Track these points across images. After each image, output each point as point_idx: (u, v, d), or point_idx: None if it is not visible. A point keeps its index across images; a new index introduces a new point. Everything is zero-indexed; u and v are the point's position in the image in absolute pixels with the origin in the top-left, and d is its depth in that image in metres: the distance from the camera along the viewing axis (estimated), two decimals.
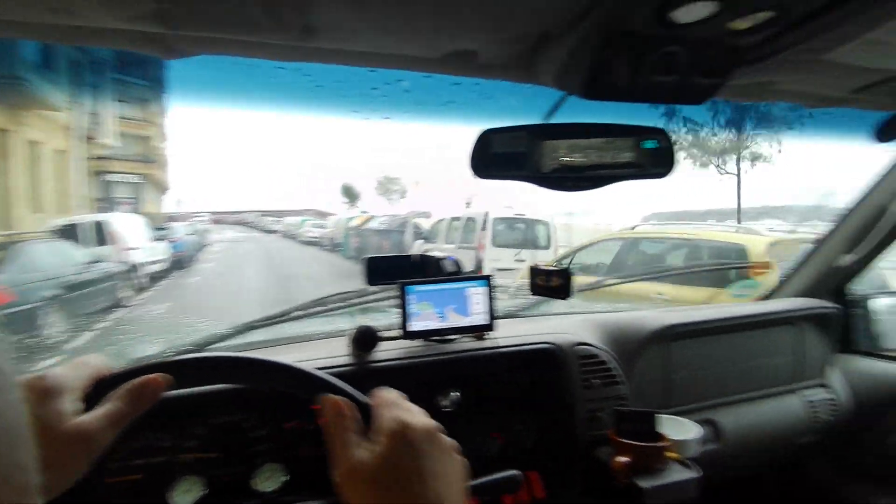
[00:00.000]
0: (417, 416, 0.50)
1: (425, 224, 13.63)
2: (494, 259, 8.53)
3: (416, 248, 10.89)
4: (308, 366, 0.53)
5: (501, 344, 1.22)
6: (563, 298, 1.20)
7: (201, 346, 1.36)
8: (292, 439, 1.05)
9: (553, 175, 0.90)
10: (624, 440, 1.13)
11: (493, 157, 0.96)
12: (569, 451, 1.24)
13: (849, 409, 1.68)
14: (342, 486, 0.45)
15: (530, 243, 9.22)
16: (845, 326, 1.78)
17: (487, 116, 1.13)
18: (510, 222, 9.59)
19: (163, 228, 13.07)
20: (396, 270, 1.27)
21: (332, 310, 1.54)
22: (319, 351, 1.22)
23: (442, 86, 0.98)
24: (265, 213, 50.38)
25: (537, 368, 1.26)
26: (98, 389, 0.44)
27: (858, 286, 1.84)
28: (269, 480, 0.99)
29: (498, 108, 1.08)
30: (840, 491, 1.73)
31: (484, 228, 9.15)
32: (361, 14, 0.59)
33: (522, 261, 8.03)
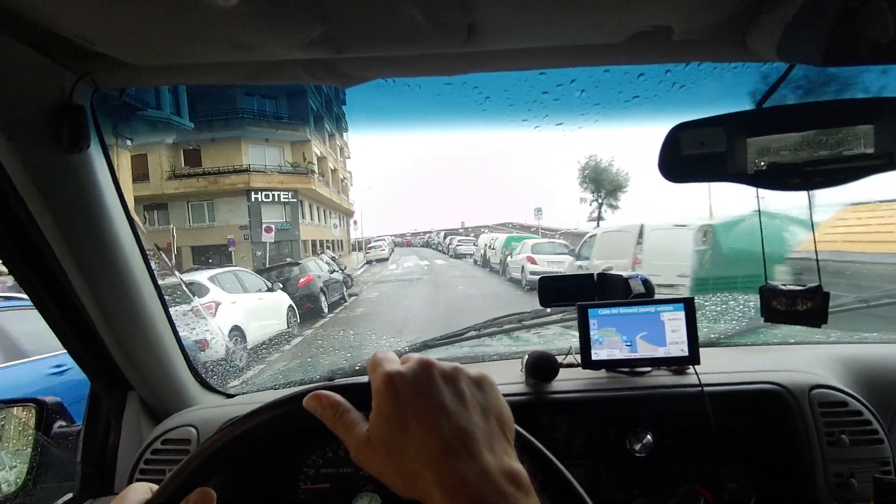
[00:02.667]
0: (407, 363, 0.42)
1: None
2: (653, 276, 7.08)
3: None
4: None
5: (709, 381, 1.00)
6: (816, 325, 0.94)
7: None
8: None
9: (769, 171, 0.74)
10: None
11: (687, 156, 0.81)
12: None
13: None
14: (363, 466, 0.41)
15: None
16: None
17: (679, 110, 0.97)
18: (669, 233, 8.01)
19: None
20: (572, 291, 1.15)
21: (506, 331, 1.48)
22: (495, 376, 1.16)
23: (624, 80, 0.85)
24: (453, 232, 44.03)
25: (758, 414, 1.01)
26: None
27: None
28: None
29: (692, 98, 0.91)
30: None
31: (640, 241, 7.91)
32: (529, 4, 0.51)
33: (685, 276, 6.83)
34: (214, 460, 0.46)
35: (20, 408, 1.05)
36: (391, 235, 53.37)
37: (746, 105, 0.79)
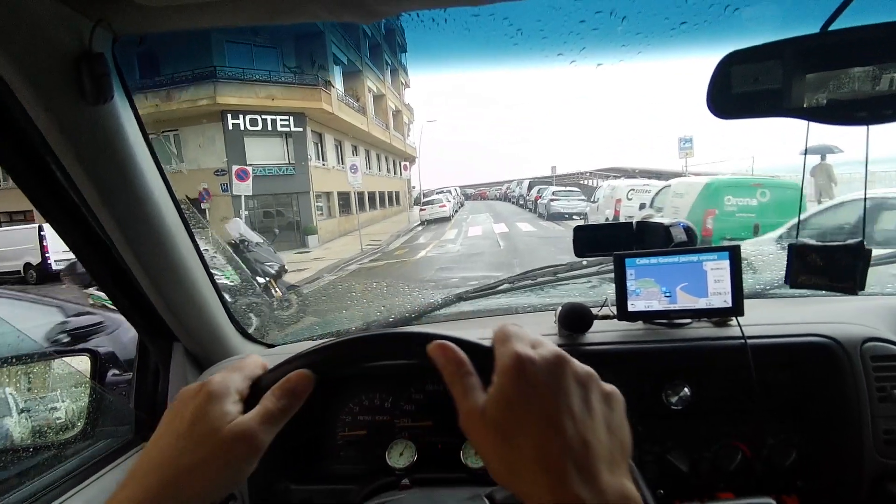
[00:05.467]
0: (541, 347, 0.40)
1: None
2: None
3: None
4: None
5: (752, 333, 0.96)
6: (851, 292, 0.86)
7: (417, 315, 1.43)
8: None
9: (830, 104, 0.68)
10: None
11: (741, 90, 0.76)
12: (847, 481, 0.93)
13: None
14: (468, 435, 0.40)
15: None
16: None
17: (732, 38, 0.89)
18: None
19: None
20: (610, 240, 1.11)
21: (540, 283, 1.45)
22: (528, 327, 1.14)
23: (670, 4, 0.77)
24: (541, 181, 29.26)
25: (804, 368, 0.96)
26: (255, 390, 0.46)
27: None
28: (476, 456, 0.97)
29: (749, 21, 0.82)
30: None
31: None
32: None
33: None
34: (331, 360, 0.48)
35: (76, 357, 1.12)
36: (458, 187, 41.55)
37: (811, 29, 0.71)
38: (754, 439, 0.96)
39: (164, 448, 0.43)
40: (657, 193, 8.84)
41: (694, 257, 0.96)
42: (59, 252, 12.36)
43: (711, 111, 0.75)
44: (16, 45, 0.59)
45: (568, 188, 21.21)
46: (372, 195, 26.07)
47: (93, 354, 1.11)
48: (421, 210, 23.49)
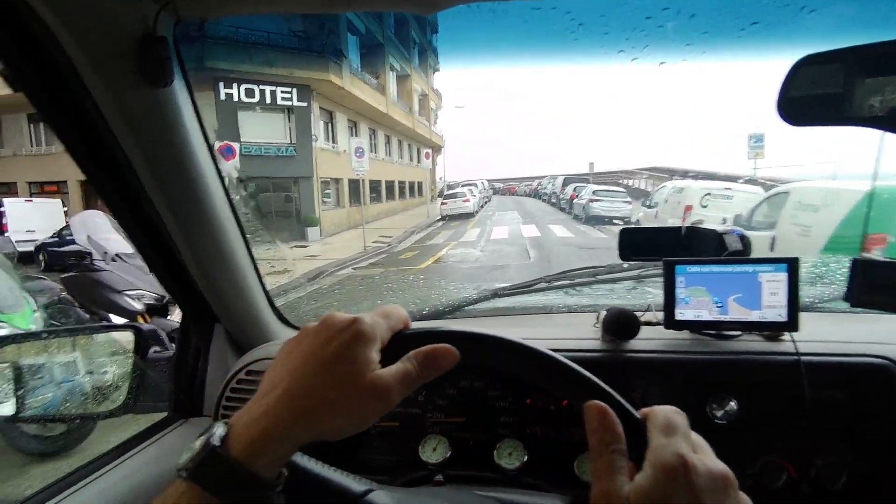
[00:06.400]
0: (706, 456, 0.39)
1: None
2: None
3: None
4: (549, 343, 0.44)
5: (807, 350, 0.91)
6: None
7: (452, 310, 1.42)
8: (532, 416, 1.00)
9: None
10: None
11: (812, 96, 0.72)
12: None
13: None
14: None
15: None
16: None
17: (805, 40, 0.85)
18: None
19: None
20: (657, 245, 1.07)
21: (577, 284, 1.42)
22: (565, 328, 1.12)
23: (742, 3, 0.73)
24: (577, 179, 25.19)
25: (859, 389, 0.91)
26: (397, 345, 0.45)
27: None
28: (510, 457, 0.96)
29: (823, 24, 0.77)
30: None
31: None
32: None
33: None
34: (476, 347, 0.47)
35: (121, 332, 1.15)
36: (486, 180, 38.75)
37: (888, 35, 0.67)
38: (802, 458, 0.93)
39: (300, 377, 0.41)
40: (759, 205, 6.60)
41: (749, 268, 0.92)
42: (20, 232, 11.74)
43: (781, 117, 0.72)
44: (83, 25, 0.60)
45: (610, 188, 18.37)
46: (390, 184, 23.75)
47: (136, 330, 1.15)
48: (442, 204, 21.38)
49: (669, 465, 0.36)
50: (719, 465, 0.37)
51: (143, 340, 1.14)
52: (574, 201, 18.58)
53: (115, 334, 1.15)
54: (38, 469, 3.07)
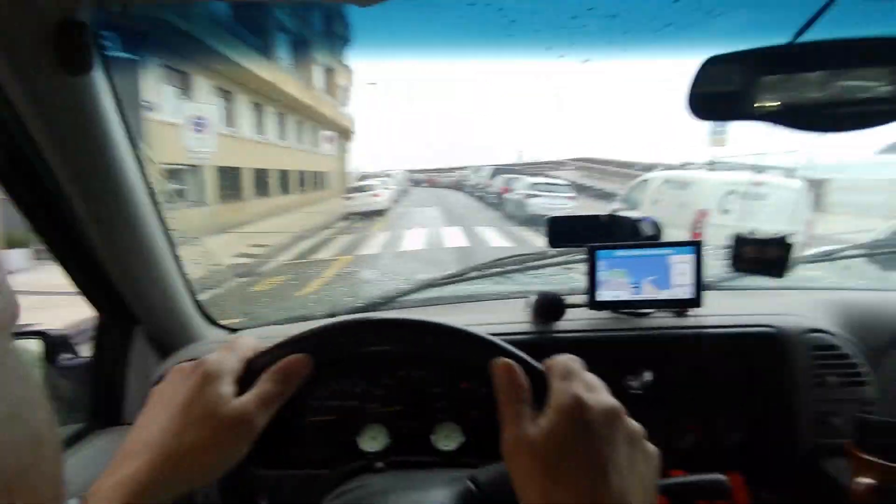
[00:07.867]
0: (599, 393, 0.42)
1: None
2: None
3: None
4: (482, 329, 0.47)
5: (708, 323, 1.03)
6: (778, 276, 0.98)
7: (385, 302, 1.42)
8: (467, 400, 1.03)
9: (795, 111, 0.72)
10: (868, 457, 0.87)
11: (716, 93, 0.80)
12: (784, 458, 1.03)
13: None
14: (508, 460, 0.41)
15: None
16: None
17: (712, 41, 0.93)
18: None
19: None
20: (582, 232, 1.15)
21: (508, 271, 1.48)
22: (496, 314, 1.17)
23: (659, 5, 0.80)
24: (507, 169, 22.73)
25: (752, 356, 1.04)
26: (250, 372, 0.46)
27: None
28: (447, 439, 0.99)
29: (728, 27, 0.86)
30: None
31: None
32: None
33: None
34: (330, 341, 0.48)
35: (25, 339, 1.04)
36: (405, 170, 36.18)
37: (783, 39, 0.76)
38: (705, 422, 1.04)
39: (156, 429, 0.41)
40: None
41: (661, 251, 1.02)
42: None
43: (689, 112, 0.79)
44: None
45: (551, 181, 15.65)
46: (284, 175, 19.40)
47: (43, 336, 1.05)
48: (347, 198, 17.58)
49: (567, 405, 0.40)
50: (610, 400, 0.42)
51: (52, 347, 1.04)
52: (506, 196, 15.74)
53: (19, 341, 1.04)
54: None
